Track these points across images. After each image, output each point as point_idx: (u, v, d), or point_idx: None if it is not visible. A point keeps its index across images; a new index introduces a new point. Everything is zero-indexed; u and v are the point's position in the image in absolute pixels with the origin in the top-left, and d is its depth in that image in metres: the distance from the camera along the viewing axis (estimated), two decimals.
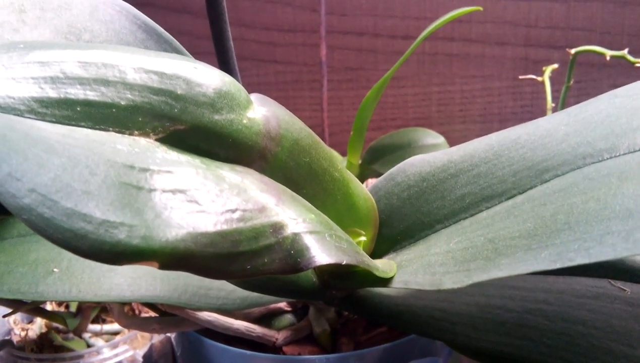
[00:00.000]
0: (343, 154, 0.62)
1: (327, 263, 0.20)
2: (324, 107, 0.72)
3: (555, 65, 0.54)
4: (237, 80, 0.39)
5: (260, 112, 0.23)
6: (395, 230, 0.30)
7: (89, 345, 0.46)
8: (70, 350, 0.44)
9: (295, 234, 0.20)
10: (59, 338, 0.44)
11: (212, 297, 0.32)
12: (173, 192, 0.18)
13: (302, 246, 0.20)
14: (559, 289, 0.27)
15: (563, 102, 0.50)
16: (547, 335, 0.24)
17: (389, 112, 0.72)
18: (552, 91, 0.53)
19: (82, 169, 0.17)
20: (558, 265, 0.17)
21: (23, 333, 0.47)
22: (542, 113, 0.69)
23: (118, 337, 0.49)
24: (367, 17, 0.70)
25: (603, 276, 0.27)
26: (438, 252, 0.24)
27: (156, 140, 0.20)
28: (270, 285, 0.28)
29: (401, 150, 0.60)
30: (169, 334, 0.46)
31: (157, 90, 0.20)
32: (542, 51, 0.63)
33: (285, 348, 0.34)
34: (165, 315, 0.32)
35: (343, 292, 0.30)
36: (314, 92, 0.76)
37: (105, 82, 0.19)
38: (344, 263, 0.21)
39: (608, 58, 0.46)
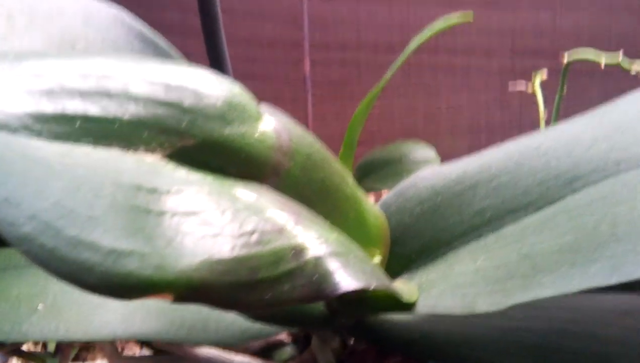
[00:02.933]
0: None
1: (354, 289, 0.18)
2: (309, 123, 0.70)
3: (544, 71, 0.53)
4: None
5: (271, 124, 0.21)
6: (409, 248, 0.28)
7: None
8: None
9: (317, 258, 0.18)
10: None
11: (210, 330, 0.30)
12: (184, 214, 0.16)
13: (325, 270, 0.18)
14: (586, 306, 0.25)
15: (557, 110, 0.49)
16: (579, 358, 0.23)
17: (375, 124, 0.71)
18: (545, 98, 0.52)
19: (86, 191, 0.15)
20: (614, 280, 0.16)
21: None
22: (532, 123, 0.68)
23: None
24: (349, 30, 0.69)
25: (631, 291, 0.26)
26: (464, 271, 0.22)
27: (163, 157, 0.18)
28: (276, 314, 0.26)
29: (392, 165, 0.59)
30: None
31: (163, 103, 0.18)
32: (528, 61, 0.63)
33: None
34: (160, 352, 0.30)
35: (352, 319, 0.28)
36: (296, 108, 0.75)
37: (107, 95, 0.17)
38: (372, 288, 0.19)
39: (603, 66, 0.45)
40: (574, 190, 0.22)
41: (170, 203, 0.16)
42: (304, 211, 0.20)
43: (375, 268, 0.21)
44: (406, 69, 0.68)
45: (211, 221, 0.17)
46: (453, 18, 0.47)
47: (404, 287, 0.24)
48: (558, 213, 0.21)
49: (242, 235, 0.17)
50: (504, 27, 0.63)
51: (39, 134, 0.16)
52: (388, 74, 0.52)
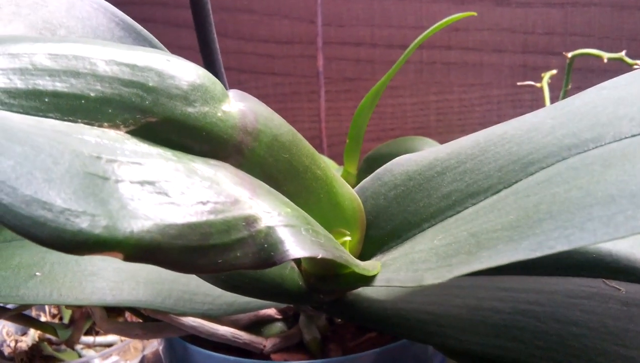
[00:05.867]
0: (341, 164, 0.62)
1: (302, 256, 0.20)
2: (321, 118, 0.71)
3: (554, 71, 0.53)
4: (224, 82, 0.39)
5: (237, 106, 0.22)
6: (383, 231, 0.29)
7: (80, 357, 0.46)
8: (60, 360, 0.43)
9: (269, 227, 0.20)
10: (49, 349, 0.44)
11: (197, 302, 0.31)
12: (141, 183, 0.18)
13: (275, 239, 0.20)
14: (551, 290, 0.26)
15: None
16: (539, 337, 0.23)
17: (388, 122, 0.72)
18: (551, 97, 0.52)
19: (45, 157, 0.16)
20: (538, 254, 0.17)
21: (15, 345, 0.47)
22: None
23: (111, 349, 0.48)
24: (364, 27, 0.70)
25: (597, 276, 0.26)
26: (422, 249, 0.23)
27: (127, 132, 0.19)
28: (254, 287, 0.27)
29: None
30: (159, 346, 0.45)
31: (127, 82, 0.19)
32: (540, 58, 0.63)
33: (273, 356, 0.33)
34: (149, 320, 0.31)
35: (331, 296, 0.29)
36: (313, 104, 0.76)
37: (75, 74, 0.19)
38: (320, 257, 0.20)
39: (605, 60, 0.45)
40: (529, 174, 0.23)
41: (127, 172, 0.18)
42: (263, 186, 0.22)
43: (330, 241, 0.22)
44: (419, 66, 0.69)
45: (166, 190, 0.18)
46: (454, 16, 0.47)
47: (368, 264, 0.25)
48: (509, 195, 0.22)
49: (196, 204, 0.19)
50: (515, 25, 0.63)
51: (9, 107, 0.18)
52: (395, 67, 0.53)
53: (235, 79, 0.79)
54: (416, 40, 0.49)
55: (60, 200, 0.16)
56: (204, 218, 0.19)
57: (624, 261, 0.25)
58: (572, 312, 0.24)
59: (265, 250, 0.19)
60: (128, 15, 0.26)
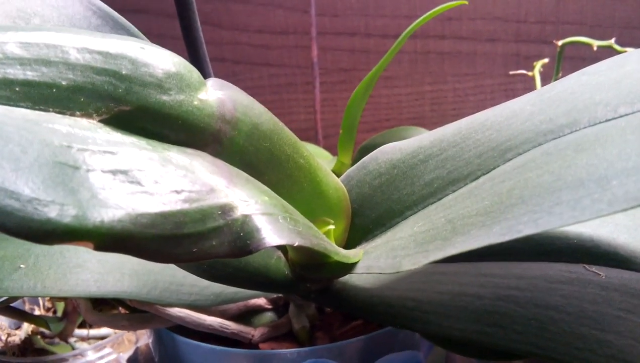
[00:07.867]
0: (337, 155, 0.61)
1: (278, 244, 0.20)
2: (316, 109, 0.71)
3: (546, 60, 0.53)
4: (208, 71, 0.39)
5: (215, 95, 0.22)
6: (368, 219, 0.29)
7: (73, 350, 0.46)
8: (53, 353, 0.43)
9: (246, 216, 0.20)
10: (41, 342, 0.44)
11: (184, 292, 0.31)
12: (113, 172, 0.18)
13: (252, 228, 0.20)
14: (532, 275, 0.26)
15: None
16: (518, 322, 0.23)
17: (383, 112, 0.72)
18: (543, 86, 0.52)
19: (14, 146, 0.16)
20: (507, 238, 0.16)
21: (7, 339, 0.47)
22: None
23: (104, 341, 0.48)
24: (358, 17, 0.70)
25: (578, 261, 0.26)
26: (402, 236, 0.23)
27: (100, 121, 0.19)
28: (238, 277, 0.27)
29: None
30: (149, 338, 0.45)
31: (100, 70, 0.19)
32: (533, 46, 0.63)
33: (262, 345, 0.33)
34: (136, 312, 0.31)
35: (318, 285, 0.29)
36: (308, 94, 0.76)
37: (47, 63, 0.19)
38: (296, 244, 0.20)
39: (595, 48, 0.45)
40: (506, 160, 0.23)
41: (99, 161, 0.18)
42: (241, 175, 0.22)
43: (310, 229, 0.22)
44: (413, 56, 0.69)
45: (139, 179, 0.18)
46: (446, 5, 0.47)
47: (350, 252, 0.25)
48: (486, 181, 0.22)
49: (169, 192, 0.19)
50: (508, 14, 0.63)
51: None
52: (386, 56, 0.53)
53: (230, 70, 0.78)
54: (409, 28, 0.49)
55: (28, 190, 0.16)
56: (178, 207, 0.19)
57: (604, 246, 0.25)
58: (552, 297, 0.24)
59: (242, 239, 0.19)
60: (122, 6, 0.26)
